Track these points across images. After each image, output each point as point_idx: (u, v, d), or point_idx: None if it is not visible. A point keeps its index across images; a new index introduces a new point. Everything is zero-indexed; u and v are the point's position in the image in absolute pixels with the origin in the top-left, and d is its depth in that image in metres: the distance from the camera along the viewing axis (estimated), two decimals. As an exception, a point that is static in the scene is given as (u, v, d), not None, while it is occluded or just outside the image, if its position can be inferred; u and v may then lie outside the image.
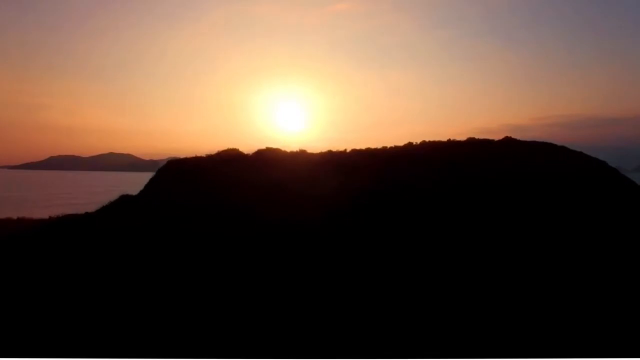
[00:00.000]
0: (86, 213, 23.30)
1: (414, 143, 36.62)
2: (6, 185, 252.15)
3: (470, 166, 33.39)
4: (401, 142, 34.54)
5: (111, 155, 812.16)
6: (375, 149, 32.98)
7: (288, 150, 31.04)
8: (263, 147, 29.23)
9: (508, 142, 45.27)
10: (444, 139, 36.90)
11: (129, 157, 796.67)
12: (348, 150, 31.76)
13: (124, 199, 24.29)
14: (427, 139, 38.00)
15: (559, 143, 47.18)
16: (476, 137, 40.06)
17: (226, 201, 21.60)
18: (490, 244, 23.20)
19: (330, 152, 30.98)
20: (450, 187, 28.54)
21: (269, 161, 27.07)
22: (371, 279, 18.11)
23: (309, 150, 30.75)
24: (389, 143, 33.56)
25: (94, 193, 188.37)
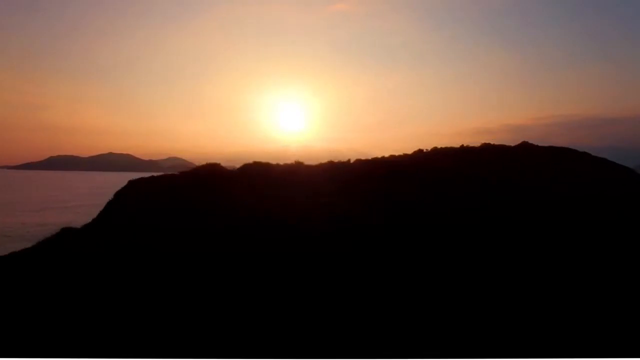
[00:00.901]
0: (10, 254, 18.72)
1: (425, 150, 32.88)
2: (4, 186, 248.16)
3: (488, 179, 29.58)
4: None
5: (111, 155, 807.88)
6: (382, 159, 29.06)
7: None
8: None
9: (526, 147, 41.57)
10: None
11: (128, 157, 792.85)
12: (352, 161, 27.77)
13: (65, 233, 19.63)
14: (438, 145, 34.28)
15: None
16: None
17: (196, 234, 17.74)
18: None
19: (331, 164, 26.87)
20: (469, 205, 24.74)
21: (255, 179, 22.75)
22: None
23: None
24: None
25: (89, 195, 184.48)
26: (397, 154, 30.57)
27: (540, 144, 43.66)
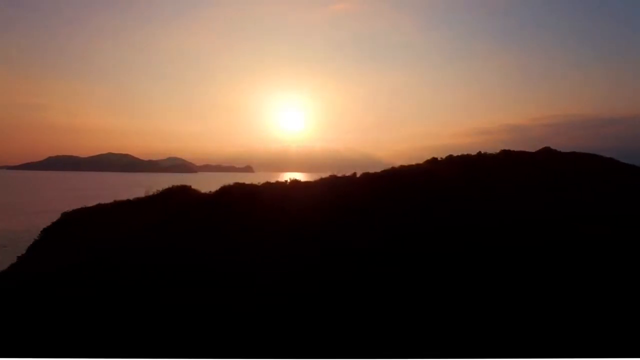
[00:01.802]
0: None
1: (439, 159, 29.05)
2: (0, 187, 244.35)
3: (513, 192, 25.78)
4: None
5: (110, 155, 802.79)
6: (394, 171, 25.05)
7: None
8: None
9: (548, 153, 37.82)
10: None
11: (127, 157, 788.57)
12: (358, 175, 23.54)
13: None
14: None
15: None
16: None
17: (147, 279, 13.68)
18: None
19: (333, 179, 22.58)
20: (491, 225, 21.01)
21: (234, 206, 18.19)
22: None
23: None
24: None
25: (85, 197, 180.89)
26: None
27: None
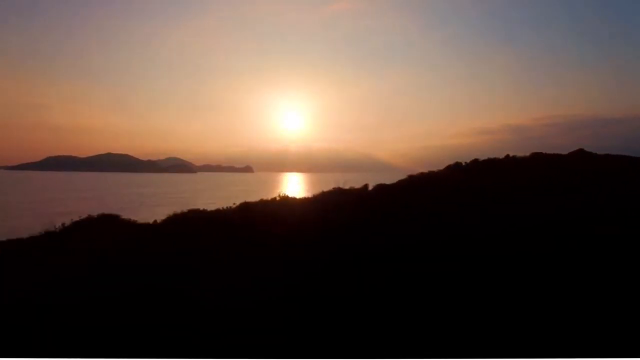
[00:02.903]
0: None
1: (463, 164, 24.65)
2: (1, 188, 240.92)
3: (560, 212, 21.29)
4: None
5: (109, 155, 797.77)
6: (412, 180, 20.50)
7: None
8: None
9: (581, 155, 33.50)
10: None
11: (127, 157, 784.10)
12: (370, 188, 18.74)
13: None
14: (478, 156, 26.01)
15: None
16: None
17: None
18: None
19: (338, 192, 17.74)
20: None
21: (187, 244, 12.17)
22: None
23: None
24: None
25: (79, 199, 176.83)
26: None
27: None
